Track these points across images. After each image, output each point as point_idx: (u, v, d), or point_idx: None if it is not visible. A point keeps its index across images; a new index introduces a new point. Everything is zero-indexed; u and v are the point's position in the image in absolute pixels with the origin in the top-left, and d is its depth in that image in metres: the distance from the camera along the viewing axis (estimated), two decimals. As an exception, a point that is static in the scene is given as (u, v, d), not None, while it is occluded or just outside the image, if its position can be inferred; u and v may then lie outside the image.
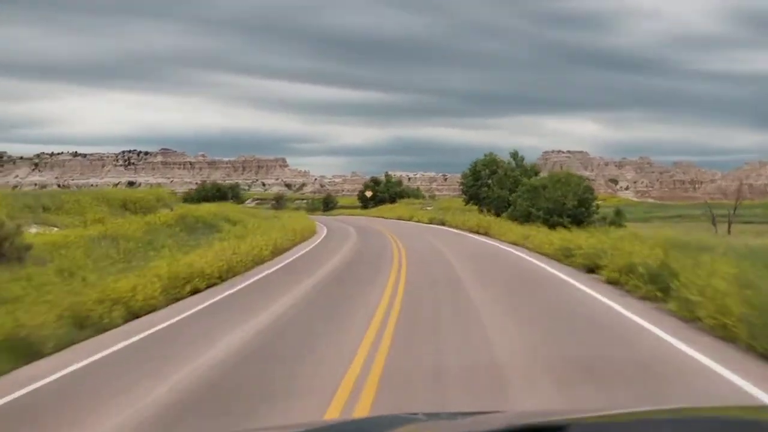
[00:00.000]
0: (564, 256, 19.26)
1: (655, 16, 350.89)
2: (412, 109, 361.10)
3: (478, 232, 33.87)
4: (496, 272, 17.99)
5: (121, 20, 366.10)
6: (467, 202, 45.98)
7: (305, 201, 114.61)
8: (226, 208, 39.70)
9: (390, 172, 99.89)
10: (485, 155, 45.09)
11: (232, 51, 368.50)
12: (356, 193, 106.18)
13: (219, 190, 77.10)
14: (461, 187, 47.04)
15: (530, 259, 21.00)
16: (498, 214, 39.89)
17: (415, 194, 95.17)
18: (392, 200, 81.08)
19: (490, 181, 43.54)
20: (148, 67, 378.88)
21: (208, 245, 19.72)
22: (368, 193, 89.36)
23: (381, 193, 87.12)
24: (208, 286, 15.21)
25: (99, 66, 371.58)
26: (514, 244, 26.16)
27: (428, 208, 62.10)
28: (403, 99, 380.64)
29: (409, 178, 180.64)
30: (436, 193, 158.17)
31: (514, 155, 43.24)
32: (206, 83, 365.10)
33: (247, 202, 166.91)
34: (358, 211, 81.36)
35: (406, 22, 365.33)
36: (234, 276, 17.30)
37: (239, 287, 15.61)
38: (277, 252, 23.65)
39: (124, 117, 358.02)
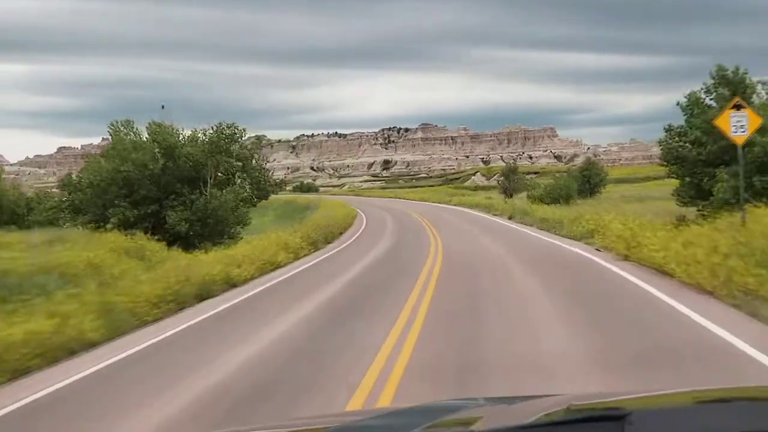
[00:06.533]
0: None
1: None
2: (692, 72, 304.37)
3: None
4: None
5: (390, 1, 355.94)
6: None
7: (558, 175, 76.77)
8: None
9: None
10: None
11: (500, 24, 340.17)
12: (636, 161, 54.88)
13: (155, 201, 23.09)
14: None
15: None
16: None
17: None
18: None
19: None
20: (416, 48, 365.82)
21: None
22: (728, 119, 13.86)
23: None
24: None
25: (368, 49, 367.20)
26: None
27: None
28: (681, 61, 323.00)
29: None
30: None
31: None
32: (472, 59, 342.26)
33: (475, 176, 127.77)
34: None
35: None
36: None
37: None
38: None
39: (390, 98, 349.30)
